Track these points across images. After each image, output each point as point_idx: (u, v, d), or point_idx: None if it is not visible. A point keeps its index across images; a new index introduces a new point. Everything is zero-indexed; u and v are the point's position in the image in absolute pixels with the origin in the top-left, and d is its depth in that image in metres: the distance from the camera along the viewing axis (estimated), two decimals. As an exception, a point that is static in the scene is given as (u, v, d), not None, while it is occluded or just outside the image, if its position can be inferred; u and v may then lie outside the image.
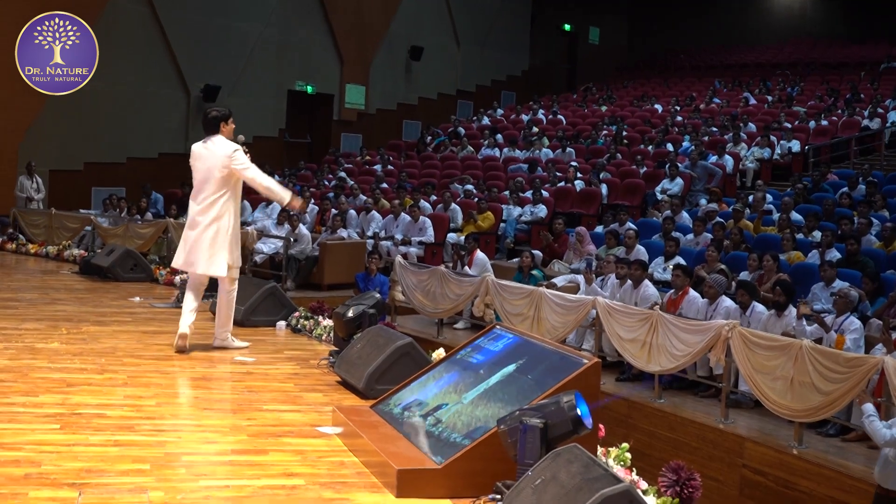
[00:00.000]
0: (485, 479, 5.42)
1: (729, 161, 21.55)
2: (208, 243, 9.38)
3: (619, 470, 5.54)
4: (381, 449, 5.90)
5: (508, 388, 6.16)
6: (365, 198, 21.42)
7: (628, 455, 5.86)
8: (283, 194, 9.46)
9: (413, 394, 6.75)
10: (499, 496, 5.17)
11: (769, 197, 18.09)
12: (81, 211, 22.03)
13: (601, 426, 5.95)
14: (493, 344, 6.86)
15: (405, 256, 16.59)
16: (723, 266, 13.21)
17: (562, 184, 21.23)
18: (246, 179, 9.42)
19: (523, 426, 5.06)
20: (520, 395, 5.94)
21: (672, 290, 12.31)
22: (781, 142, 22.73)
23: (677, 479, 5.24)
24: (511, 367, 6.41)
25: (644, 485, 5.42)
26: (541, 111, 30.77)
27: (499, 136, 27.00)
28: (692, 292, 12.12)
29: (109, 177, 24.86)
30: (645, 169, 21.65)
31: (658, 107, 29.66)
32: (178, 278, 14.53)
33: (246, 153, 9.40)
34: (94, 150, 24.48)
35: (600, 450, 5.89)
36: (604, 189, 20.74)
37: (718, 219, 16.34)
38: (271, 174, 14.11)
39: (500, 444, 5.32)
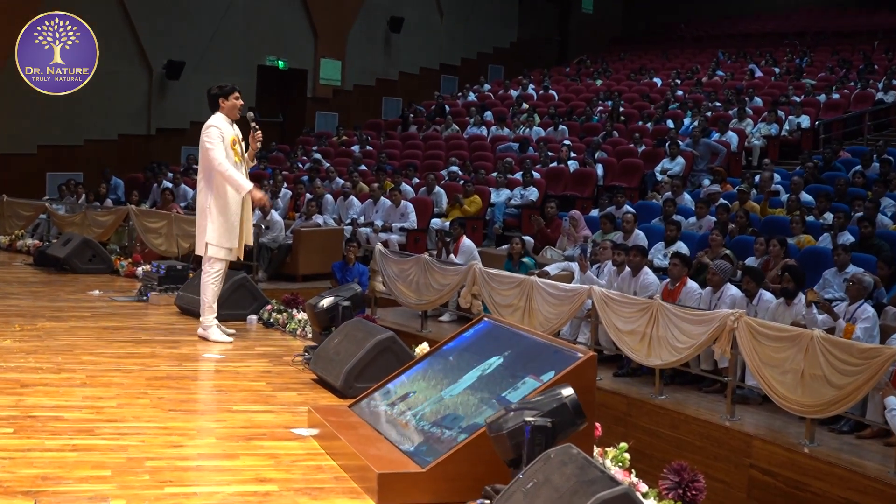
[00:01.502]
0: (471, 482, 5.42)
1: (733, 138, 21.54)
2: (199, 223, 10.02)
3: (617, 471, 5.55)
4: (360, 451, 5.90)
5: (494, 384, 6.16)
6: (342, 181, 21.40)
7: (627, 455, 5.86)
8: (242, 184, 9.74)
9: (400, 393, 6.75)
10: (487, 501, 5.16)
11: (777, 177, 18.10)
12: (36, 198, 21.95)
13: (597, 425, 5.96)
14: (474, 335, 6.96)
15: (386, 244, 16.55)
16: (727, 251, 13.20)
17: (554, 164, 21.23)
18: (208, 158, 9.74)
19: (528, 427, 5.04)
20: (508, 391, 5.95)
21: (669, 280, 12.29)
22: (790, 117, 22.75)
23: (680, 480, 5.25)
24: (497, 360, 6.41)
25: (644, 487, 5.43)
26: (531, 86, 30.74)
27: (488, 114, 26.94)
28: (690, 282, 12.12)
29: (65, 161, 24.78)
30: (643, 148, 21.66)
31: (657, 80, 29.63)
32: (140, 270, 14.51)
33: (255, 130, 10.10)
34: (49, 132, 24.34)
35: (597, 450, 5.89)
36: (599, 170, 20.74)
37: (722, 200, 16.34)
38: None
39: (486, 445, 5.31)
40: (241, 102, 10.04)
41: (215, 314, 10.04)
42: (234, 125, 10.02)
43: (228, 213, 9.82)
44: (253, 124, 9.98)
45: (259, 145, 10.35)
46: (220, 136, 9.73)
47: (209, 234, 9.84)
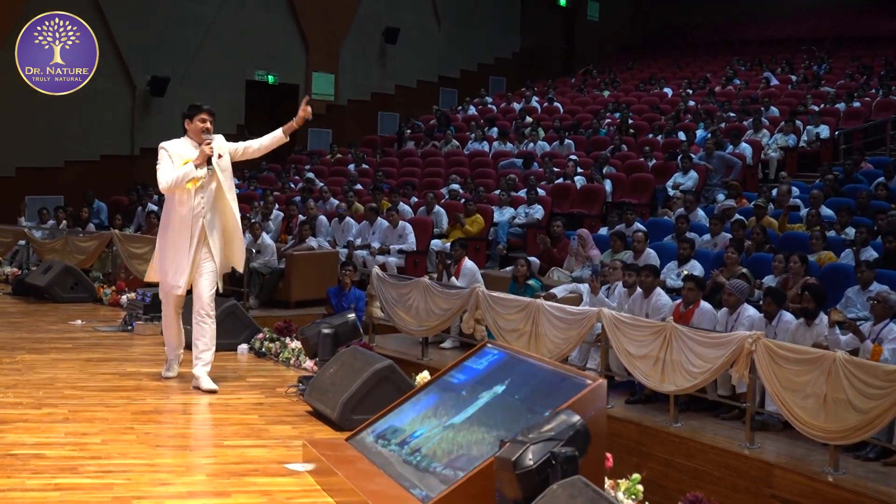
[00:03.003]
0: (475, 518, 5.42)
1: (749, 150, 21.57)
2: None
3: (629, 504, 5.55)
4: (358, 487, 5.91)
5: (497, 416, 6.16)
6: (337, 202, 21.41)
7: (640, 487, 5.87)
8: (187, 171, 9.21)
9: (400, 426, 6.71)
10: (493, 538, 5.16)
11: (795, 190, 18.11)
12: (18, 222, 22.00)
13: (609, 455, 5.96)
14: (475, 361, 6.89)
15: (383, 267, 16.58)
16: (744, 270, 13.21)
17: (560, 180, 21.25)
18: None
19: (557, 458, 5.03)
20: (512, 421, 5.94)
21: (681, 302, 12.27)
22: (808, 127, 22.78)
23: (695, 513, 5.26)
24: (499, 389, 6.41)
25: (659, 520, 5.42)
26: (535, 98, 30.82)
27: (494, 130, 26.91)
28: (704, 303, 12.10)
29: (45, 184, 24.76)
30: (654, 161, 21.68)
31: (668, 90, 29.69)
32: (124, 298, 14.52)
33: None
34: (28, 153, 24.37)
35: (608, 482, 5.89)
36: (608, 185, 20.76)
37: (738, 216, 16.34)
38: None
39: (489, 481, 5.31)
40: (208, 126, 9.35)
41: (173, 358, 9.80)
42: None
43: (168, 247, 9.39)
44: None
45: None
46: (167, 157, 9.30)
47: (154, 270, 9.66)
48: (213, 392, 9.09)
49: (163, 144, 9.40)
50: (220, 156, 9.36)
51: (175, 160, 9.25)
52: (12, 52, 15.16)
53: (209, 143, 9.24)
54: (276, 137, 9.57)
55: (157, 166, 9.26)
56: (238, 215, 9.62)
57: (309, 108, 9.44)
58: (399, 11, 32.69)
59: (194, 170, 9.18)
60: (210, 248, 9.33)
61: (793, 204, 17.09)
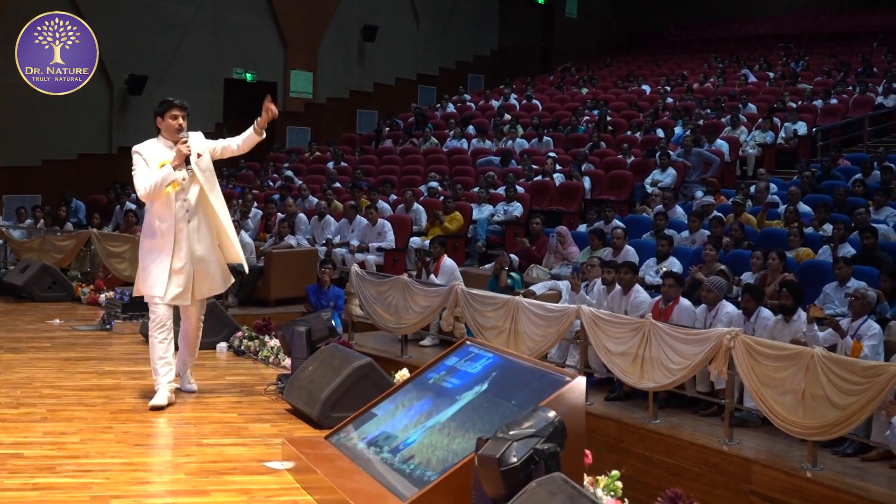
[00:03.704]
0: (455, 516, 5.43)
1: (726, 147, 21.62)
2: None
3: (609, 501, 5.56)
4: (338, 485, 5.90)
5: (476, 414, 6.16)
6: (316, 200, 21.38)
7: (619, 484, 5.88)
8: (165, 174, 8.53)
9: (380, 425, 6.68)
10: (473, 535, 5.17)
11: (773, 187, 18.16)
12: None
13: (588, 452, 5.96)
14: (470, 365, 6.77)
15: (362, 265, 16.56)
16: (722, 266, 13.24)
17: (539, 178, 21.26)
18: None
19: (540, 455, 5.03)
20: (491, 419, 5.94)
21: (661, 299, 12.28)
22: (786, 124, 22.85)
23: (675, 509, 5.26)
24: (480, 388, 6.41)
25: (638, 517, 5.43)
26: (513, 96, 30.81)
27: (470, 128, 26.91)
28: (683, 300, 12.13)
29: (23, 182, 24.69)
30: (632, 159, 21.70)
31: (646, 88, 29.74)
32: (103, 297, 14.50)
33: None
34: (5, 152, 24.29)
35: (587, 479, 5.90)
36: (586, 182, 20.76)
37: (716, 213, 16.36)
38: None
39: (468, 478, 5.31)
40: (181, 122, 8.73)
41: (162, 377, 8.74)
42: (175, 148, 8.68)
43: (152, 258, 8.73)
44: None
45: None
46: (142, 161, 8.65)
47: (141, 282, 8.91)
48: (159, 409, 8.41)
49: (136, 148, 8.76)
50: (199, 155, 8.73)
51: (151, 164, 8.60)
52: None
53: (185, 142, 8.61)
54: (251, 137, 9.08)
55: (133, 172, 8.65)
56: (228, 215, 9.02)
57: (273, 107, 8.97)
58: (378, 9, 32.64)
59: (172, 172, 8.51)
60: (198, 254, 8.71)
61: (771, 201, 17.14)
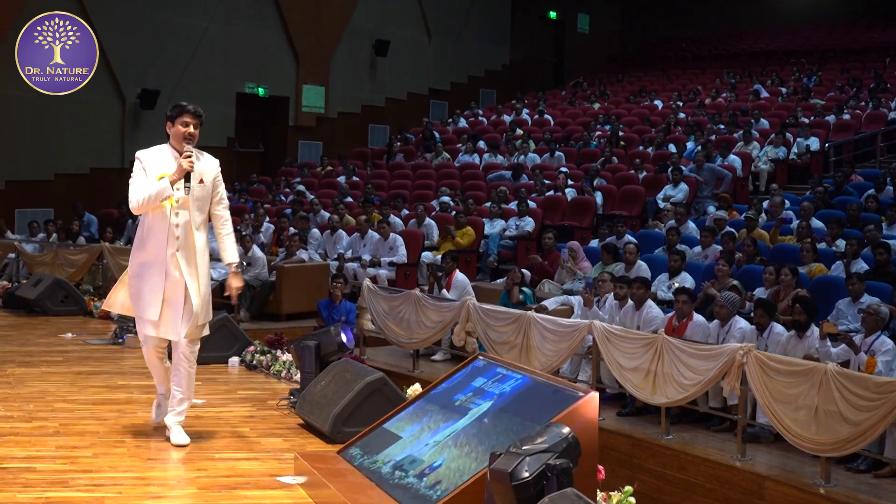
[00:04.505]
0: (469, 530, 5.43)
1: (739, 162, 21.61)
2: None
3: (621, 517, 5.55)
4: (350, 500, 5.91)
5: (489, 429, 6.16)
6: (328, 214, 21.40)
7: (633, 500, 5.89)
8: (161, 188, 7.61)
9: (405, 448, 6.53)
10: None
11: (786, 202, 18.13)
12: (8, 235, 21.99)
13: (600, 468, 5.97)
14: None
15: (374, 280, 16.57)
16: (735, 282, 13.23)
17: (551, 193, 21.25)
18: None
19: (552, 470, 5.03)
20: (504, 434, 5.94)
21: (674, 315, 12.26)
22: (798, 139, 22.82)
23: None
24: (491, 403, 6.41)
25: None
26: (525, 111, 30.80)
27: (481, 143, 26.92)
28: (697, 316, 12.13)
29: (35, 196, 24.76)
30: (644, 174, 21.70)
31: (658, 103, 29.70)
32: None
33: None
34: (17, 166, 24.39)
35: (600, 495, 5.91)
36: (598, 198, 20.77)
37: (729, 228, 16.36)
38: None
39: (480, 492, 5.32)
40: (191, 130, 7.81)
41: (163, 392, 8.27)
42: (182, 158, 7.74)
43: (139, 277, 7.83)
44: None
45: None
46: (140, 169, 7.76)
47: (119, 298, 8.40)
48: (182, 446, 7.70)
49: (139, 154, 7.86)
50: (201, 180, 7.78)
51: (150, 173, 7.71)
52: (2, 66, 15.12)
53: (189, 156, 7.67)
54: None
55: (130, 180, 7.76)
56: (206, 262, 7.90)
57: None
58: (389, 24, 32.66)
59: (169, 188, 7.61)
60: (188, 283, 7.69)
61: (783, 216, 17.10)
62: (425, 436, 6.51)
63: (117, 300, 8.50)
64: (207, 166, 7.90)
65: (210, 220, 8.04)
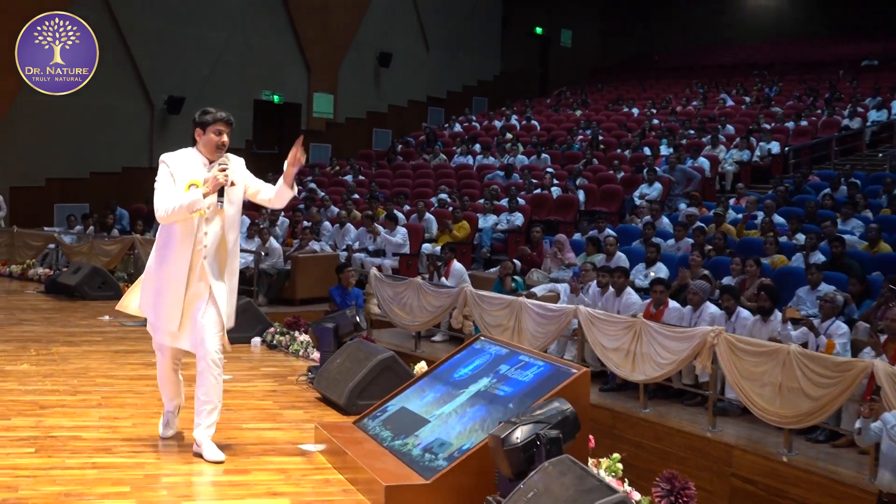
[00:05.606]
0: (473, 493, 5.47)
1: (707, 164, 21.66)
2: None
3: (611, 481, 5.59)
4: (366, 465, 5.94)
5: (493, 400, 6.20)
6: (337, 209, 21.42)
7: (620, 466, 5.92)
8: (192, 199, 6.51)
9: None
10: (490, 510, 5.20)
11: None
12: (45, 228, 22.00)
13: (591, 437, 6.01)
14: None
15: (380, 268, 16.59)
16: (706, 272, 13.28)
17: (538, 191, 21.30)
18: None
19: (541, 439, 5.07)
20: (506, 406, 5.99)
21: (651, 303, 12.29)
22: (761, 143, 22.86)
23: (671, 488, 5.31)
24: (494, 378, 6.45)
25: (637, 495, 5.48)
26: (514, 117, 30.85)
27: (476, 146, 26.92)
28: (672, 303, 12.17)
29: (72, 193, 24.85)
30: (622, 174, 21.74)
31: (634, 110, 29.77)
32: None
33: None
34: (56, 165, 24.46)
35: (591, 461, 5.94)
36: (581, 195, 20.82)
37: (699, 223, 16.42)
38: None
39: (487, 457, 5.35)
40: (224, 140, 6.75)
41: (171, 410, 7.26)
42: (211, 166, 6.74)
43: (161, 282, 6.75)
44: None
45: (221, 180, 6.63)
46: (167, 175, 6.67)
47: (140, 301, 7.06)
48: (218, 463, 6.56)
49: (164, 157, 6.75)
50: (232, 183, 6.73)
51: (178, 179, 6.63)
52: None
53: (224, 169, 6.64)
54: (283, 191, 6.88)
55: (156, 184, 6.68)
56: (237, 268, 6.94)
57: (301, 155, 6.82)
58: (392, 38, 32.69)
59: (201, 199, 6.52)
60: (213, 292, 6.66)
61: (752, 214, 17.16)
62: (452, 420, 6.32)
63: (132, 303, 7.21)
64: (237, 169, 6.83)
65: (259, 202, 7.11)
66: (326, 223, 20.10)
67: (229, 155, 6.83)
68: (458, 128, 30.80)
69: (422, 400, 6.81)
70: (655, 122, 26.78)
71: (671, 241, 16.02)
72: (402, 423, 6.65)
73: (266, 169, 28.21)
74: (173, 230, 6.65)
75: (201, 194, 6.50)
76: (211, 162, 6.71)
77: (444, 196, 21.92)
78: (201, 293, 6.63)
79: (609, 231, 16.92)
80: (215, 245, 6.68)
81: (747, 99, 28.85)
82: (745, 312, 11.44)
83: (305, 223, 19.75)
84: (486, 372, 6.68)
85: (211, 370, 6.63)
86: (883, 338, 9.72)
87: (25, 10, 17.12)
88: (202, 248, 6.61)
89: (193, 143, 6.81)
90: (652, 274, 13.88)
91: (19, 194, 23.54)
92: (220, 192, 6.61)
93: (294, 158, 6.75)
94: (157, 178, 6.68)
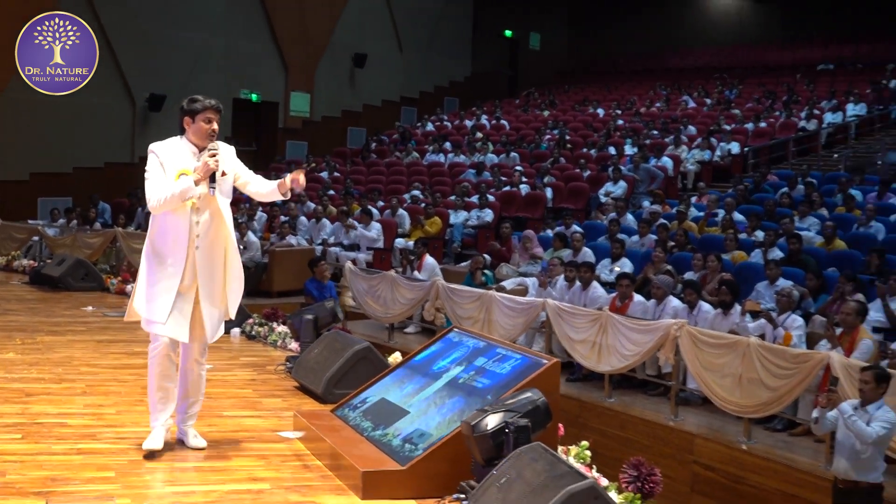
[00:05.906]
0: (449, 479, 5.49)
1: (670, 163, 21.72)
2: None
3: (580, 467, 5.62)
4: (344, 452, 5.95)
5: (467, 389, 6.22)
6: (313, 205, 21.39)
7: (588, 453, 5.95)
8: (183, 187, 6.24)
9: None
10: (464, 495, 5.22)
11: (711, 198, 18.25)
12: (29, 221, 21.88)
13: (560, 425, 6.04)
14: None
15: (354, 262, 16.59)
16: (669, 267, 13.34)
17: (507, 188, 21.32)
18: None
19: (510, 427, 5.10)
20: (481, 395, 6.00)
21: (617, 296, 12.33)
22: (721, 144, 22.95)
23: (638, 474, 5.34)
24: (468, 368, 6.46)
25: (605, 481, 5.50)
26: (484, 116, 30.86)
27: (447, 144, 26.93)
28: (637, 297, 12.21)
29: (56, 187, 24.68)
30: (588, 172, 21.77)
31: (600, 111, 29.82)
32: (129, 287, 14.46)
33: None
34: (41, 160, 24.31)
35: (560, 448, 5.97)
36: (549, 193, 20.84)
37: (662, 220, 16.48)
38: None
39: (462, 444, 5.37)
40: (215, 127, 6.56)
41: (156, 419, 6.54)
42: (200, 154, 6.48)
43: (158, 279, 6.41)
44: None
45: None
46: (157, 165, 6.39)
47: (141, 304, 6.51)
48: (200, 449, 6.51)
49: (153, 147, 6.46)
50: (223, 173, 6.47)
51: (168, 169, 6.36)
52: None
53: (214, 155, 6.36)
54: (274, 192, 6.68)
55: (146, 175, 6.37)
56: (236, 253, 6.65)
57: (301, 179, 6.66)
58: (367, 39, 32.64)
59: (193, 187, 6.27)
60: (206, 287, 6.43)
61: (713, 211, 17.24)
62: (432, 411, 6.29)
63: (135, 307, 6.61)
64: (227, 157, 6.58)
65: (247, 193, 6.85)
66: (303, 218, 20.08)
67: (219, 142, 6.57)
68: (430, 127, 30.80)
69: (402, 391, 6.81)
70: (620, 122, 26.84)
71: (635, 238, 16.05)
72: (382, 414, 6.64)
73: (244, 165, 28.14)
74: (165, 220, 6.36)
75: (192, 182, 6.25)
76: (200, 150, 6.46)
77: (416, 192, 21.95)
78: (195, 285, 6.38)
79: (576, 227, 16.94)
80: (208, 234, 6.42)
81: (708, 101, 28.94)
82: (706, 306, 11.50)
83: (283, 218, 19.71)
84: (464, 364, 6.68)
85: (195, 367, 6.58)
86: (838, 331, 9.78)
87: (25, 10, 16.96)
88: (195, 238, 6.35)
89: (182, 132, 6.55)
90: (617, 269, 13.93)
91: (4, 188, 23.39)
92: (212, 179, 6.34)
93: (295, 181, 6.61)
94: (146, 169, 6.38)
